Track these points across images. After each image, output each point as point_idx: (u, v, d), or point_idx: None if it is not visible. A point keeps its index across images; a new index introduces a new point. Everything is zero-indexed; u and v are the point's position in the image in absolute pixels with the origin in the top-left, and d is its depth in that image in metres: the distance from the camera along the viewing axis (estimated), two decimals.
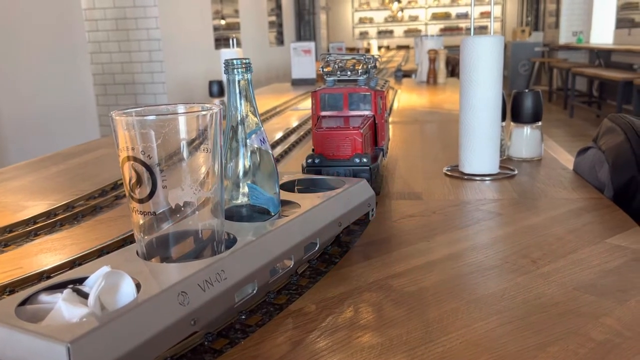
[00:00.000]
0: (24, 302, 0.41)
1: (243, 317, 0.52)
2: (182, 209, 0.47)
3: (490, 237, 0.71)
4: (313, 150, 0.83)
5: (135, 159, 0.45)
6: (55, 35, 3.25)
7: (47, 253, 0.72)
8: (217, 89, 1.97)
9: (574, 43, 8.35)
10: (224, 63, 0.57)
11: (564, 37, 8.66)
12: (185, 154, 0.46)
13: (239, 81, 0.58)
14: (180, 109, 0.49)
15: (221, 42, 5.87)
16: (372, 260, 0.65)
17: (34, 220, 0.84)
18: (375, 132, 0.91)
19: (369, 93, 0.88)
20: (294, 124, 1.73)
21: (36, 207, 0.91)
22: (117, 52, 4.56)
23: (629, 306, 0.51)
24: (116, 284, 0.42)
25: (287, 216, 0.59)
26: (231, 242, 0.51)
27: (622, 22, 7.14)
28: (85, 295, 0.42)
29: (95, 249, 0.70)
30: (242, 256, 0.49)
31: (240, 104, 0.59)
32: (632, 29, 6.82)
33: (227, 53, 2.05)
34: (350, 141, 0.79)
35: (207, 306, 0.44)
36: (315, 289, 0.58)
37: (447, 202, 0.86)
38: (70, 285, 0.43)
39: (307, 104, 2.31)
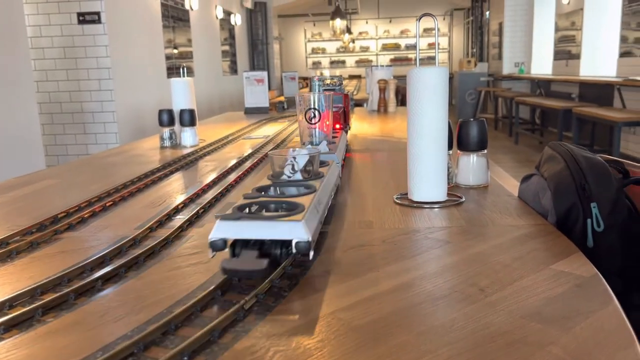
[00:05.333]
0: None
1: (185, 358, 0.49)
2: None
3: (439, 266, 0.71)
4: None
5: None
6: None
7: None
8: (167, 118, 1.93)
9: (516, 73, 8.75)
10: (314, 81, 1.29)
11: (507, 67, 9.07)
12: None
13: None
14: None
15: (173, 70, 5.82)
16: (321, 293, 0.63)
17: None
18: (345, 115, 1.57)
19: (341, 95, 1.58)
20: (247, 152, 1.72)
21: None
22: (64, 80, 4.44)
23: (574, 334, 0.52)
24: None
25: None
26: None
27: (560, 54, 7.55)
28: None
29: (27, 289, 0.65)
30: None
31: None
32: (569, 61, 7.22)
33: (177, 82, 2.02)
34: (335, 118, 1.42)
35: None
36: (262, 325, 0.56)
37: (396, 230, 0.87)
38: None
39: (260, 132, 2.30)
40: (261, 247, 0.65)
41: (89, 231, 0.93)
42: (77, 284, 0.67)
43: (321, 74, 7.17)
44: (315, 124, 1.09)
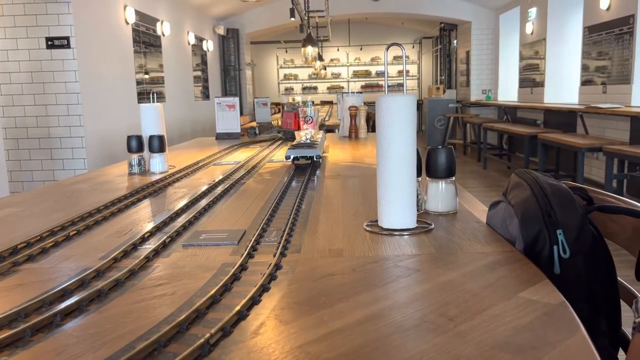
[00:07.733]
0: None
1: None
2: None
3: (408, 295, 0.71)
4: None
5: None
6: None
7: None
8: (135, 145, 1.90)
9: (483, 100, 8.97)
10: (308, 102, 2.52)
11: (475, 94, 9.30)
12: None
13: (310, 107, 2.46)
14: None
15: (144, 95, 5.77)
16: (289, 326, 0.62)
17: None
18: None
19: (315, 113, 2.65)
20: (218, 178, 1.70)
21: None
22: (31, 105, 4.35)
23: None
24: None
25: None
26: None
27: (525, 82, 7.79)
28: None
29: None
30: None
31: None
32: (533, 88, 7.45)
33: (147, 107, 2.00)
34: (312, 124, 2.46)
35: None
36: None
37: (367, 258, 0.86)
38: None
39: (231, 158, 2.28)
40: (303, 157, 1.89)
41: (50, 262, 0.90)
42: (34, 319, 0.64)
43: (293, 99, 7.31)
44: (309, 124, 2.35)
